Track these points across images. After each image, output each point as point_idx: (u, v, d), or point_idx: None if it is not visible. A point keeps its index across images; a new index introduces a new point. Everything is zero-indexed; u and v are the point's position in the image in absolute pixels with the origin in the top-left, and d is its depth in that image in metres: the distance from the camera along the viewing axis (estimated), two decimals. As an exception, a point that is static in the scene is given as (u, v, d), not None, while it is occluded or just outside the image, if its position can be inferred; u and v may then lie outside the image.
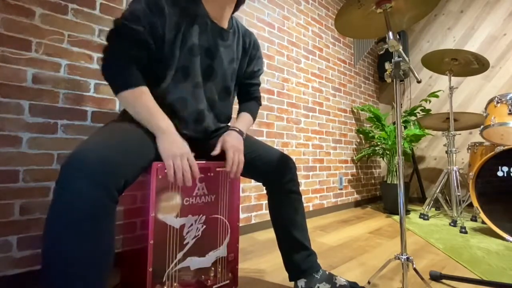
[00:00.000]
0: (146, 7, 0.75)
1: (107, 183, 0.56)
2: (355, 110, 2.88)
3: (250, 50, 1.02)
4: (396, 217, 2.23)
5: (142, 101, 0.74)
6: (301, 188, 2.17)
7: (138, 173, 0.68)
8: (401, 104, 3.17)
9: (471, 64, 1.95)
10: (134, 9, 0.75)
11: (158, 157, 0.75)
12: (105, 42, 1.23)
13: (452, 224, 1.93)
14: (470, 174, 1.79)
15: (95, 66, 1.21)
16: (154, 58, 0.80)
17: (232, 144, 0.87)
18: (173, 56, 0.82)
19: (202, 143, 0.94)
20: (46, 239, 0.52)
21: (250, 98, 1.09)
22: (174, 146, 0.73)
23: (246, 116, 1.03)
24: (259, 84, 1.11)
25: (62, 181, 0.53)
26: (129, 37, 0.74)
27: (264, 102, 1.93)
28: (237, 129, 0.92)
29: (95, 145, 0.59)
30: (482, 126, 1.92)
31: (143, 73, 0.78)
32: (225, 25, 0.93)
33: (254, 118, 1.06)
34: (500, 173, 1.67)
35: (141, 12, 0.75)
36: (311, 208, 2.24)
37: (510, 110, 1.77)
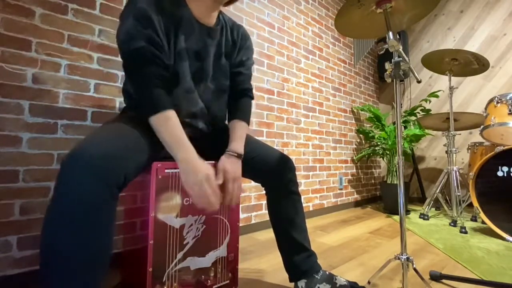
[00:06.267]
0: (136, 21, 0.72)
1: (108, 179, 0.56)
2: (355, 110, 2.88)
3: (239, 42, 1.00)
4: (396, 217, 2.23)
5: (167, 128, 0.72)
6: (301, 188, 2.17)
7: (137, 170, 0.67)
8: (401, 104, 3.17)
9: (471, 64, 1.95)
10: (127, 29, 0.72)
11: (157, 155, 0.75)
12: (105, 42, 1.25)
13: (452, 224, 1.93)
14: (470, 174, 1.79)
15: (95, 66, 1.21)
16: None
17: (232, 175, 0.83)
18: (170, 63, 0.81)
19: (199, 142, 0.94)
20: (44, 232, 0.52)
21: (240, 93, 1.01)
22: (191, 175, 0.72)
23: (241, 128, 0.94)
24: (249, 75, 1.03)
25: (63, 176, 0.53)
26: (139, 58, 0.73)
27: (264, 102, 1.93)
28: (235, 154, 0.86)
29: (96, 141, 0.59)
30: (482, 126, 1.92)
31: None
32: (212, 22, 0.91)
33: (248, 122, 0.99)
34: (500, 173, 1.67)
35: (134, 28, 0.72)
36: (311, 208, 2.24)
37: (510, 110, 1.77)
